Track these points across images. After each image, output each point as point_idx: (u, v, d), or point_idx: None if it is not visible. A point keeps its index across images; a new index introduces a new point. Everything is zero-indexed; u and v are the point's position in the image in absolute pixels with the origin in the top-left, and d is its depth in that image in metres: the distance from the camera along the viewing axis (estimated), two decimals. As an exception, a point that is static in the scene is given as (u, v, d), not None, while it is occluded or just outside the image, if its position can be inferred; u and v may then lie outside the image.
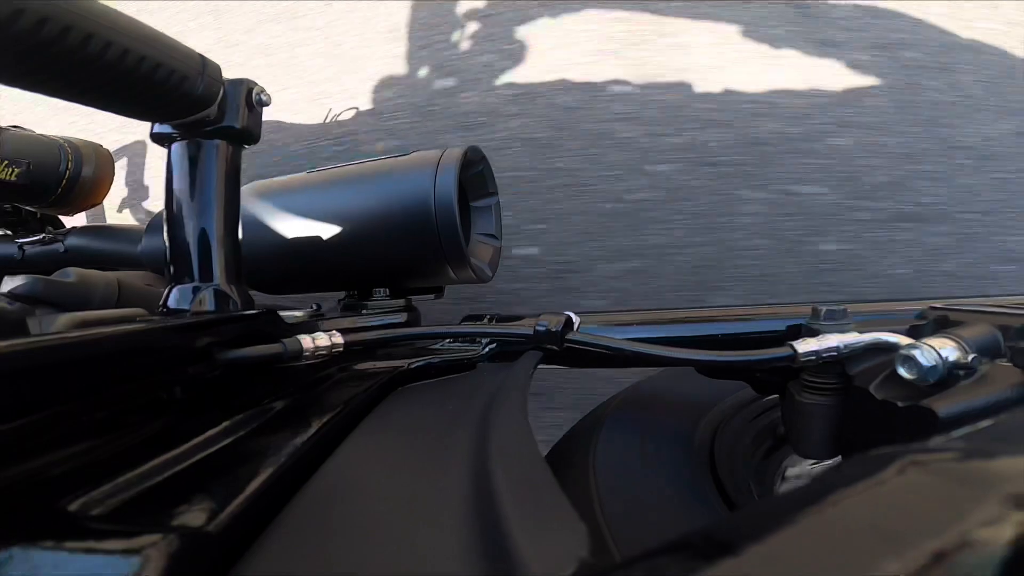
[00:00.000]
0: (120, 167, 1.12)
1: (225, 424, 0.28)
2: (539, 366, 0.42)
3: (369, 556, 0.17)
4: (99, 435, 0.23)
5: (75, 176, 0.65)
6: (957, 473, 0.12)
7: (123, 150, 1.14)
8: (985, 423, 0.22)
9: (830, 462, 0.37)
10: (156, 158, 1.10)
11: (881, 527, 0.11)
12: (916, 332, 0.33)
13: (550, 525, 0.18)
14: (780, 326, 0.40)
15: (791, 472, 0.49)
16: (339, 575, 0.16)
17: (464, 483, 0.22)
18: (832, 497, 0.13)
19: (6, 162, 0.59)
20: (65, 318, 0.31)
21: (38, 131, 0.66)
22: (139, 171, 1.15)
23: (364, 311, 0.55)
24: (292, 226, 0.55)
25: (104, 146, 0.71)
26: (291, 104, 1.04)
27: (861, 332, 0.33)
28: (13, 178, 0.60)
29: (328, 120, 1.02)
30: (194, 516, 0.17)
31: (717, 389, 0.49)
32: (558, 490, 0.20)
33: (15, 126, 0.65)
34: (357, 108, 1.00)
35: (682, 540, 0.14)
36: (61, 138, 0.66)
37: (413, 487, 0.22)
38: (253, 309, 0.40)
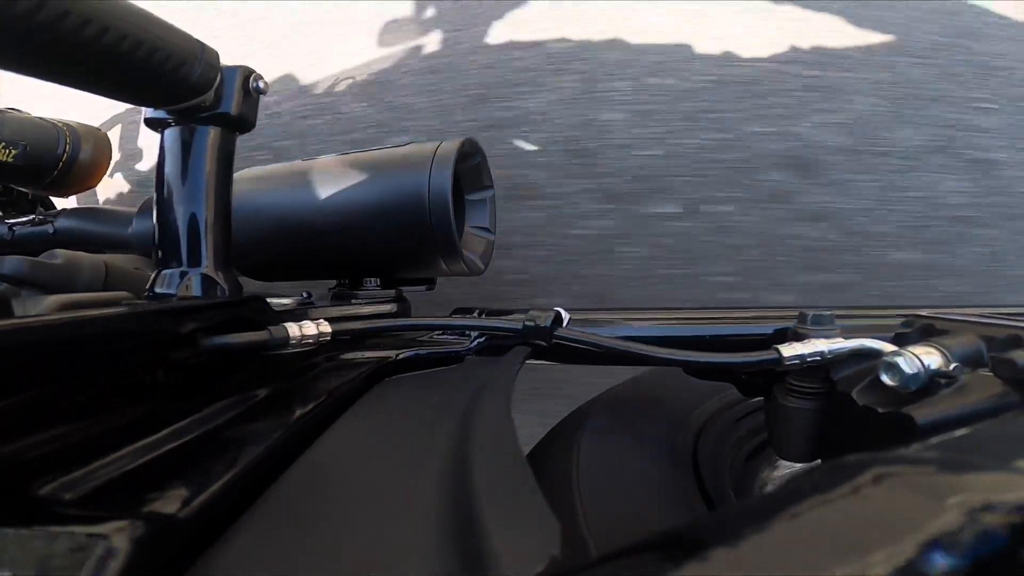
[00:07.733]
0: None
1: (206, 411, 0.27)
2: (528, 361, 0.42)
3: (336, 550, 0.17)
4: (79, 419, 0.23)
5: (72, 159, 0.65)
6: (923, 483, 0.13)
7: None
8: (961, 432, 0.22)
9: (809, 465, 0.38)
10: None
11: (843, 534, 0.11)
12: (901, 340, 0.33)
13: (524, 522, 0.18)
14: (768, 329, 0.41)
15: (777, 473, 0.49)
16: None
17: (442, 478, 0.22)
18: (799, 504, 0.13)
19: (3, 144, 0.58)
20: (50, 300, 0.31)
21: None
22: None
23: (354, 300, 0.55)
24: (285, 213, 0.54)
25: (101, 129, 0.70)
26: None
27: (846, 338, 0.33)
28: (10, 159, 0.59)
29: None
30: (166, 503, 0.17)
31: (705, 389, 0.49)
32: (535, 487, 0.20)
33: (12, 108, 0.64)
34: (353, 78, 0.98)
35: (650, 541, 0.14)
36: (59, 121, 0.66)
37: (389, 480, 0.22)
38: (241, 296, 0.40)
